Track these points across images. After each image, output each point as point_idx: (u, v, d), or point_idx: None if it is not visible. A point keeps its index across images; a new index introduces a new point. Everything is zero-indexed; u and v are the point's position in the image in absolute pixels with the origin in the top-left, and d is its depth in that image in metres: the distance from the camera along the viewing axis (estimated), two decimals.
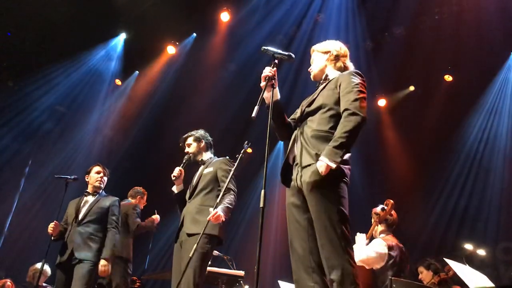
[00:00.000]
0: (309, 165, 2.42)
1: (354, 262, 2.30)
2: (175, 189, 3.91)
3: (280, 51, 2.67)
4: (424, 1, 7.22)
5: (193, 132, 4.05)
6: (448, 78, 7.99)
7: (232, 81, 8.83)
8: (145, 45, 8.67)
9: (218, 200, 3.44)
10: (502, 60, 7.62)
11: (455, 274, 4.11)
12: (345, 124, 2.39)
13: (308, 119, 2.60)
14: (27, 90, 8.40)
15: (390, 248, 3.75)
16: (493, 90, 7.80)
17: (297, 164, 2.52)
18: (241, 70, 8.63)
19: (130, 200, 5.63)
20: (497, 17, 6.79)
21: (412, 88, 8.49)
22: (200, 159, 3.97)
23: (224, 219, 3.40)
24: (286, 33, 8.14)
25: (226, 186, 3.57)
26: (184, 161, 3.92)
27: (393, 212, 4.01)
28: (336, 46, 2.83)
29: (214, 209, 3.36)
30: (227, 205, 3.50)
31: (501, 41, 7.14)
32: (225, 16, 8.01)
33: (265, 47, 2.69)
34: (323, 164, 2.30)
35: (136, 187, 5.82)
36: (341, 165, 2.34)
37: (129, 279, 5.09)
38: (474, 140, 7.90)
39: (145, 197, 5.76)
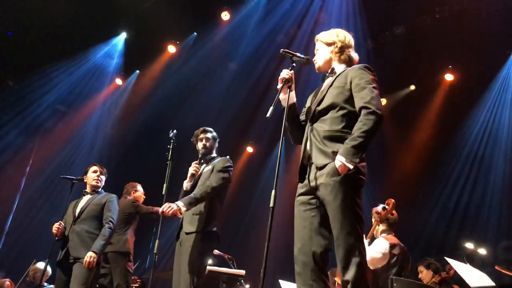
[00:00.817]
0: (325, 165, 2.38)
1: (366, 263, 2.30)
2: (186, 186, 3.87)
3: (298, 54, 2.66)
4: (425, 0, 7.21)
5: (210, 129, 4.05)
6: (449, 77, 7.98)
7: (233, 81, 8.83)
8: (146, 44, 8.67)
9: None
10: (503, 59, 7.60)
11: (456, 273, 4.11)
12: (365, 123, 2.35)
13: (319, 119, 2.56)
14: (27, 89, 8.41)
15: (392, 247, 3.76)
16: (494, 90, 7.78)
17: (312, 164, 2.49)
18: (242, 70, 8.63)
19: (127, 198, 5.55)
20: (498, 16, 6.77)
21: (412, 87, 8.47)
22: (207, 158, 3.96)
23: (181, 212, 3.43)
24: (287, 33, 8.13)
25: (210, 180, 3.63)
26: (199, 156, 3.92)
27: (394, 211, 4.01)
28: (340, 36, 2.74)
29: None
30: (192, 195, 3.53)
31: (502, 40, 7.13)
32: (225, 15, 8.02)
33: (284, 50, 2.68)
34: (341, 164, 2.28)
35: (125, 185, 5.60)
36: (358, 164, 2.32)
37: (130, 277, 4.99)
38: (475, 139, 7.87)
39: (137, 187, 5.54)
